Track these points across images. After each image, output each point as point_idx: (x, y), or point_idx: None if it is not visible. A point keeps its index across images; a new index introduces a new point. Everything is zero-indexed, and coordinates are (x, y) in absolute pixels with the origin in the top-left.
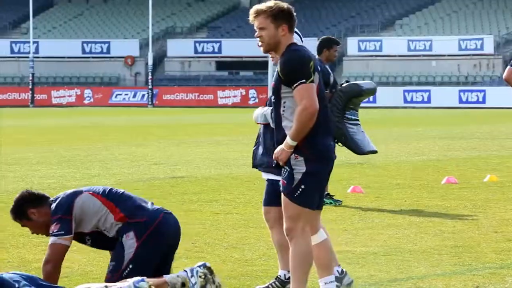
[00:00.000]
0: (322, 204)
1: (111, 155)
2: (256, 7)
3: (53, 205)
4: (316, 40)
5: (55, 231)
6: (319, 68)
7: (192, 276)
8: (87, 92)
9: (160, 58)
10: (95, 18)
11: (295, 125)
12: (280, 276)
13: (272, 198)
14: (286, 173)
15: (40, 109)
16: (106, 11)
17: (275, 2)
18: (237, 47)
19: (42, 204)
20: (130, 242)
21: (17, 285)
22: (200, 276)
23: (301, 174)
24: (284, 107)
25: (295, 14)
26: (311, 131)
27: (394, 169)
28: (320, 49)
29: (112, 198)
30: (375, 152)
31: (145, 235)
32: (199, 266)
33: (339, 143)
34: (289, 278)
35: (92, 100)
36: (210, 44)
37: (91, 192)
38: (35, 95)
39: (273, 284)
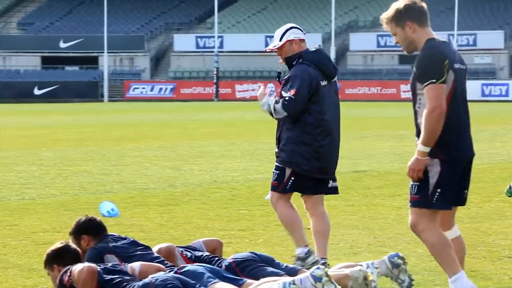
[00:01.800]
0: (463, 200)
1: None
2: (382, 16)
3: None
4: (502, 33)
5: None
6: (455, 66)
7: (368, 267)
8: (270, 86)
9: (342, 52)
10: (278, 12)
11: (424, 129)
12: None
13: None
14: (416, 187)
15: (224, 103)
16: (290, 5)
17: (395, 4)
18: None
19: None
20: None
21: (202, 277)
22: (376, 267)
23: (436, 177)
24: (419, 104)
25: (420, 5)
26: (445, 132)
27: None
28: None
29: None
30: None
31: None
32: (393, 256)
33: None
34: None
35: (274, 94)
36: (393, 37)
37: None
38: (219, 89)
39: None
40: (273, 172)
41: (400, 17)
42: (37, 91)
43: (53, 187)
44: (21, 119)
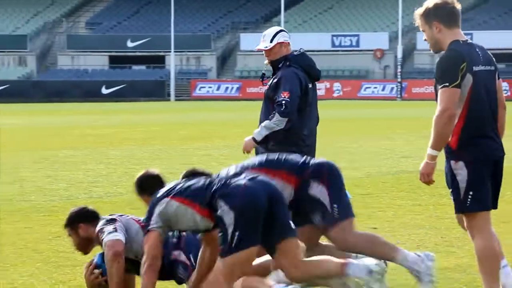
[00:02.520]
0: (495, 203)
1: (360, 147)
2: (415, 11)
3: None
4: None
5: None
6: (474, 69)
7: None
8: (336, 85)
9: (409, 51)
10: (344, 11)
11: (433, 132)
12: None
13: None
14: (451, 193)
15: None
16: (356, 4)
17: (428, 2)
18: (486, 39)
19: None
20: (225, 210)
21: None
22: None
23: (465, 180)
24: None
25: (451, 5)
26: (466, 133)
27: None
28: None
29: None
30: None
31: (236, 203)
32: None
33: None
34: None
35: (341, 93)
36: None
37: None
38: None
39: None
40: None
41: (428, 16)
42: (104, 90)
43: (120, 186)
44: (89, 118)
